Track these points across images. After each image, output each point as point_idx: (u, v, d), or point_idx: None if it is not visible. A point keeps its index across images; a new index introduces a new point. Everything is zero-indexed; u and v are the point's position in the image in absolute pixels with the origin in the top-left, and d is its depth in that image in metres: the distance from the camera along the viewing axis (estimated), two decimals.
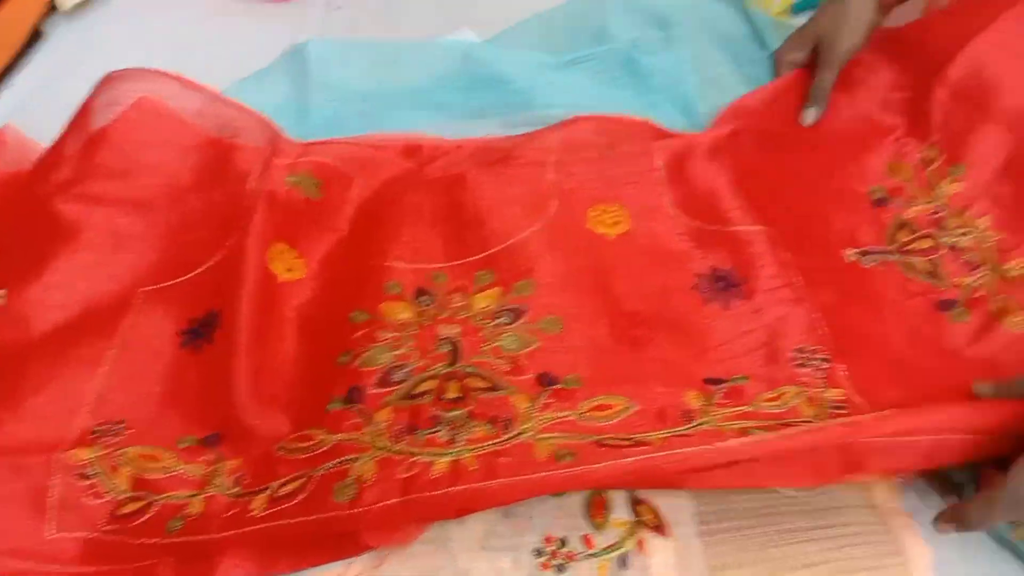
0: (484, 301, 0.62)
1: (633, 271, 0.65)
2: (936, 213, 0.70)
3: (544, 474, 0.49)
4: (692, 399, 0.57)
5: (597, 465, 0.49)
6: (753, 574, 0.51)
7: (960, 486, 0.55)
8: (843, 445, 0.51)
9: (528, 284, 0.63)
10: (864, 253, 0.67)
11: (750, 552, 0.51)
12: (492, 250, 0.65)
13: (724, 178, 0.72)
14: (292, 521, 0.49)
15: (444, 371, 0.57)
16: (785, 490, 0.55)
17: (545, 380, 0.57)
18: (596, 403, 0.56)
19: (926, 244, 0.68)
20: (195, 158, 0.71)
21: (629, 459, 0.49)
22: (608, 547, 0.51)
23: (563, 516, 0.52)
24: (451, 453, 0.51)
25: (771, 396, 0.57)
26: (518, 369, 0.58)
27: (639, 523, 0.52)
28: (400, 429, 0.53)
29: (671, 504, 0.53)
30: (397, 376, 0.57)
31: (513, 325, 0.61)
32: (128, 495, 0.53)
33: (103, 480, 0.53)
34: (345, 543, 0.50)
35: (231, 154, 0.71)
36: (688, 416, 0.55)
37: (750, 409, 0.56)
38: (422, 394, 0.55)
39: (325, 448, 0.53)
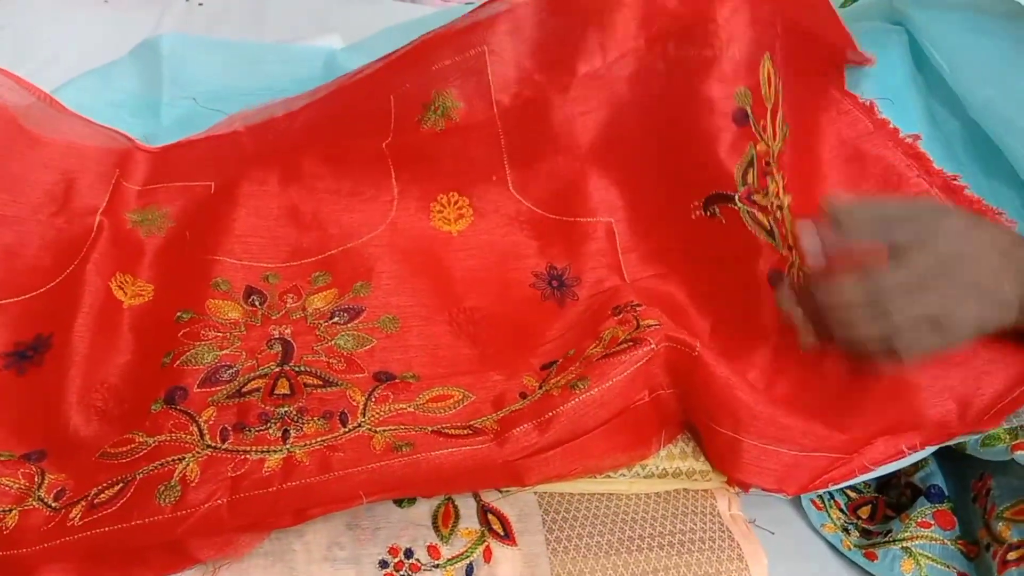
0: (319, 302, 0.61)
1: (473, 268, 0.65)
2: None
3: (380, 464, 0.48)
4: (528, 381, 0.57)
5: (435, 452, 0.49)
6: None
7: None
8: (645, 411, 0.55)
9: (365, 285, 0.62)
10: (708, 203, 0.59)
11: (596, 559, 0.52)
12: (329, 252, 0.64)
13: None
14: (112, 528, 0.46)
15: (274, 370, 0.55)
16: (628, 496, 0.56)
17: (382, 377, 0.56)
18: (434, 394, 0.56)
19: (773, 188, 0.59)
20: (37, 171, 0.67)
21: (467, 447, 0.49)
22: (454, 557, 0.50)
23: (409, 526, 0.51)
24: (283, 450, 0.50)
25: (594, 345, 0.57)
26: (354, 367, 0.56)
27: (487, 532, 0.52)
28: (226, 428, 0.51)
29: (520, 513, 0.53)
30: (224, 375, 0.54)
31: (349, 324, 0.59)
32: None
33: None
34: (173, 556, 0.47)
35: (76, 173, 0.67)
36: (523, 395, 0.55)
37: (577, 367, 0.55)
38: (250, 392, 0.53)
39: (146, 450, 0.50)
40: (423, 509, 0.52)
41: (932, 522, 0.56)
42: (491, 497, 0.54)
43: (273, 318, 0.59)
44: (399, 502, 0.53)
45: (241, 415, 0.52)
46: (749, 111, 0.58)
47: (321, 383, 0.54)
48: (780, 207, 0.59)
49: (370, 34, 0.90)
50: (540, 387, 0.55)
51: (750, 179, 0.58)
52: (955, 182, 0.67)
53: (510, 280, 0.64)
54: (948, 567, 0.54)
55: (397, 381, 0.56)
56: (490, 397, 0.55)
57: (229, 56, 0.85)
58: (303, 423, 0.51)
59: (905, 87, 0.77)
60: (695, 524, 0.56)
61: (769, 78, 0.60)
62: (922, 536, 0.56)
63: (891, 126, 0.72)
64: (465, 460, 0.50)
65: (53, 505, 0.49)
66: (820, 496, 0.60)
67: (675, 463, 0.56)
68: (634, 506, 0.56)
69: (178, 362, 0.54)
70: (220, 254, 0.62)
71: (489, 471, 0.51)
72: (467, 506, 0.53)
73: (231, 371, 0.55)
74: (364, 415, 0.53)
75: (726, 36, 0.59)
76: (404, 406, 0.54)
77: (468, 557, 0.51)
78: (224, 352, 0.56)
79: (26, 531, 0.47)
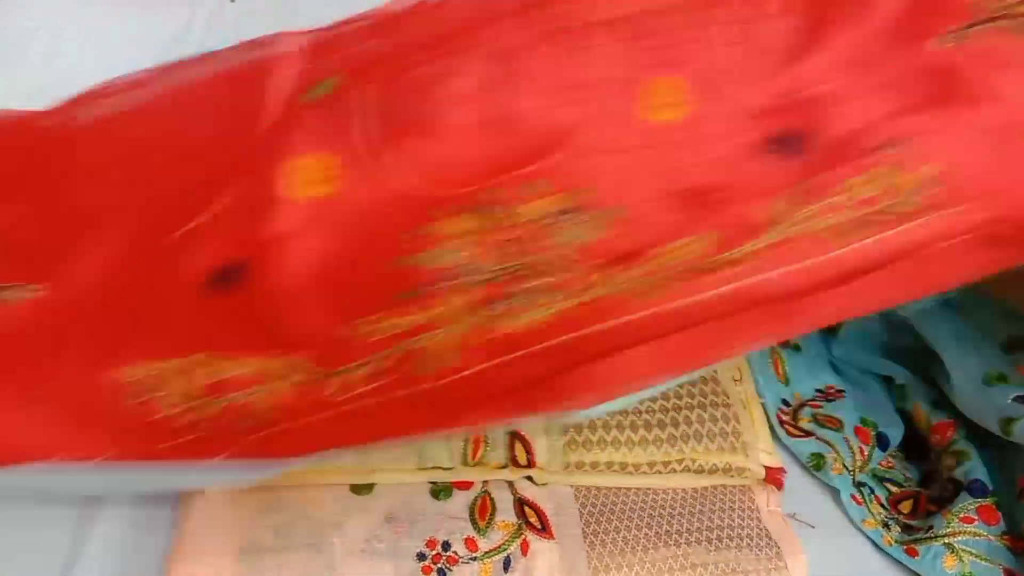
0: (543, 206, 0.58)
1: (699, 151, 0.59)
2: None
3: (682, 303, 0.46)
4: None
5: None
6: None
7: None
8: None
9: (590, 190, 0.59)
10: None
11: (633, 554, 0.51)
12: (545, 161, 0.59)
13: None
14: (378, 400, 0.46)
15: (513, 264, 0.54)
16: (664, 490, 0.55)
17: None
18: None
19: None
20: None
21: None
22: (491, 550, 0.50)
23: (447, 519, 0.52)
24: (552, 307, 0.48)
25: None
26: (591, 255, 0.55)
27: (523, 525, 0.52)
28: (474, 305, 0.49)
29: (556, 506, 0.53)
30: (465, 271, 0.53)
31: (580, 216, 0.57)
32: (187, 406, 0.48)
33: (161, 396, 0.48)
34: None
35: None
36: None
37: None
38: (494, 278, 0.52)
39: (400, 330, 0.49)
40: (460, 502, 0.53)
41: (975, 517, 0.55)
42: (527, 491, 0.54)
43: (504, 225, 0.56)
44: (435, 495, 0.53)
45: (488, 296, 0.50)
46: None
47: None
48: None
49: None
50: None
51: None
52: None
53: (740, 149, 0.54)
54: (993, 563, 0.53)
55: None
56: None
57: None
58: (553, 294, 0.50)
59: None
60: (733, 520, 0.55)
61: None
62: (965, 532, 0.55)
63: None
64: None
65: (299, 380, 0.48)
66: (860, 491, 0.59)
67: (712, 459, 0.55)
68: (671, 501, 0.55)
69: (420, 261, 0.53)
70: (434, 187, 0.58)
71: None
72: (503, 499, 0.53)
73: (470, 268, 0.53)
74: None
75: None
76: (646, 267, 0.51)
77: (505, 550, 0.51)
78: (463, 254, 0.54)
79: (281, 410, 0.47)
